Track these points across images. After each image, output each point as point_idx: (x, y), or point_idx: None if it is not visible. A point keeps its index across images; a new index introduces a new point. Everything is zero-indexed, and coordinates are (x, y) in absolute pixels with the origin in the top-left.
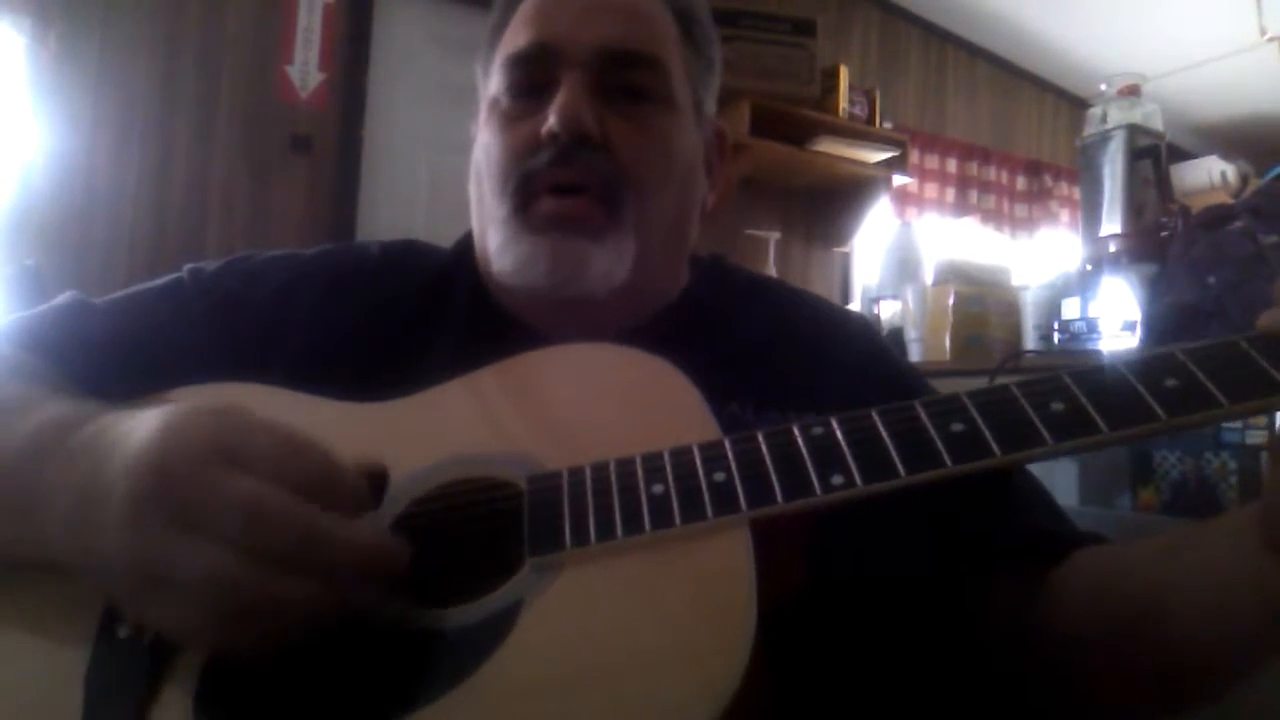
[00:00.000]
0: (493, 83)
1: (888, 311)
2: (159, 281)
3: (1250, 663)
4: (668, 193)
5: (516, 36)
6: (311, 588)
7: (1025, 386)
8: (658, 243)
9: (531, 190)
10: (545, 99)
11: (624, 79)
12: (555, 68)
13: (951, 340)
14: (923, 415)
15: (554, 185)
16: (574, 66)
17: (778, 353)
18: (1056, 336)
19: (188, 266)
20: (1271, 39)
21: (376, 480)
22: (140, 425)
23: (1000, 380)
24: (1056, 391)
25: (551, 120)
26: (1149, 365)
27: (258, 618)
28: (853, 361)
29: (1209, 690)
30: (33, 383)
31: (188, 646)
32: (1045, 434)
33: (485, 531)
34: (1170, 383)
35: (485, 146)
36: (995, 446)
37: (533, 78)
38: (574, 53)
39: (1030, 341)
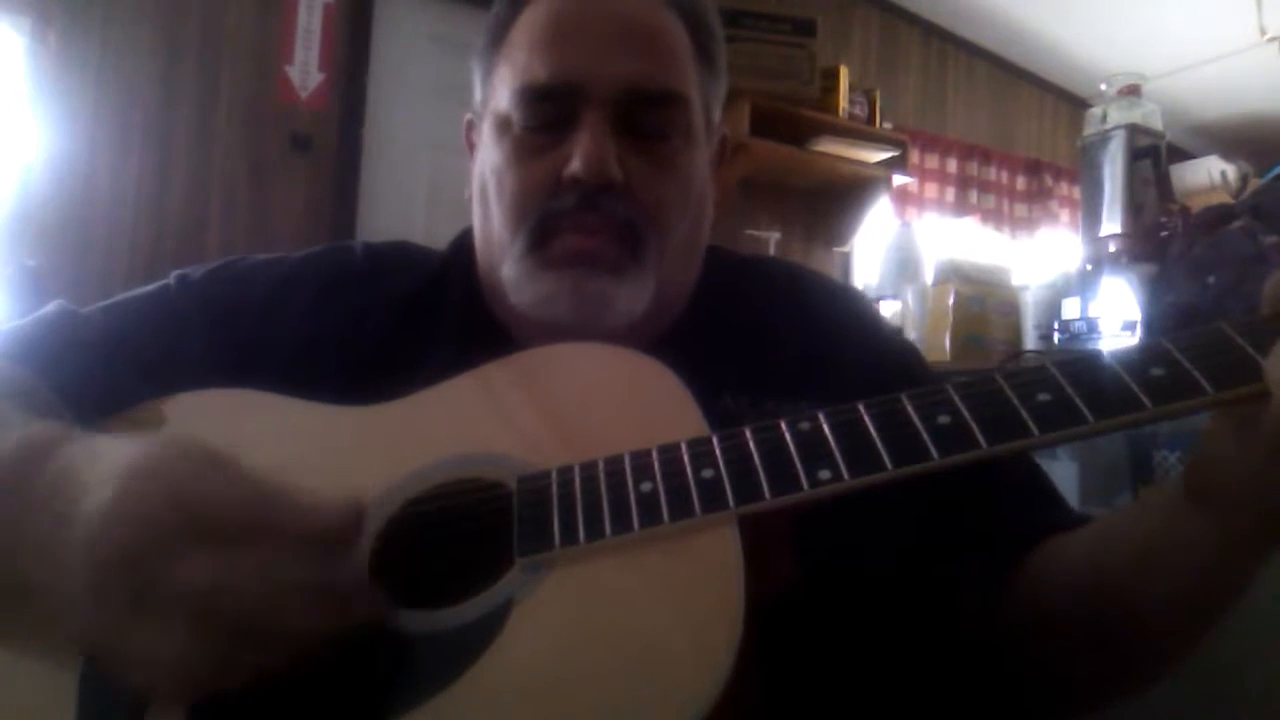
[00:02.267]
0: (501, 99)
1: (888, 311)
2: (146, 289)
3: (1187, 616)
4: (683, 226)
5: (533, 63)
6: (272, 658)
7: (1011, 377)
8: (675, 273)
9: (550, 229)
10: (564, 133)
11: (646, 118)
12: (576, 102)
13: (951, 340)
14: (909, 408)
15: (575, 227)
16: (597, 105)
17: (773, 339)
18: (1056, 336)
19: (174, 273)
20: (1271, 39)
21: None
22: (102, 475)
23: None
24: (1042, 382)
25: (576, 165)
26: (1135, 355)
27: (219, 684)
28: (849, 342)
29: (1163, 654)
30: (11, 399)
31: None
32: (1031, 425)
33: (476, 532)
34: (1156, 371)
35: (496, 172)
36: (981, 438)
37: (551, 111)
38: (598, 90)
39: (1030, 341)
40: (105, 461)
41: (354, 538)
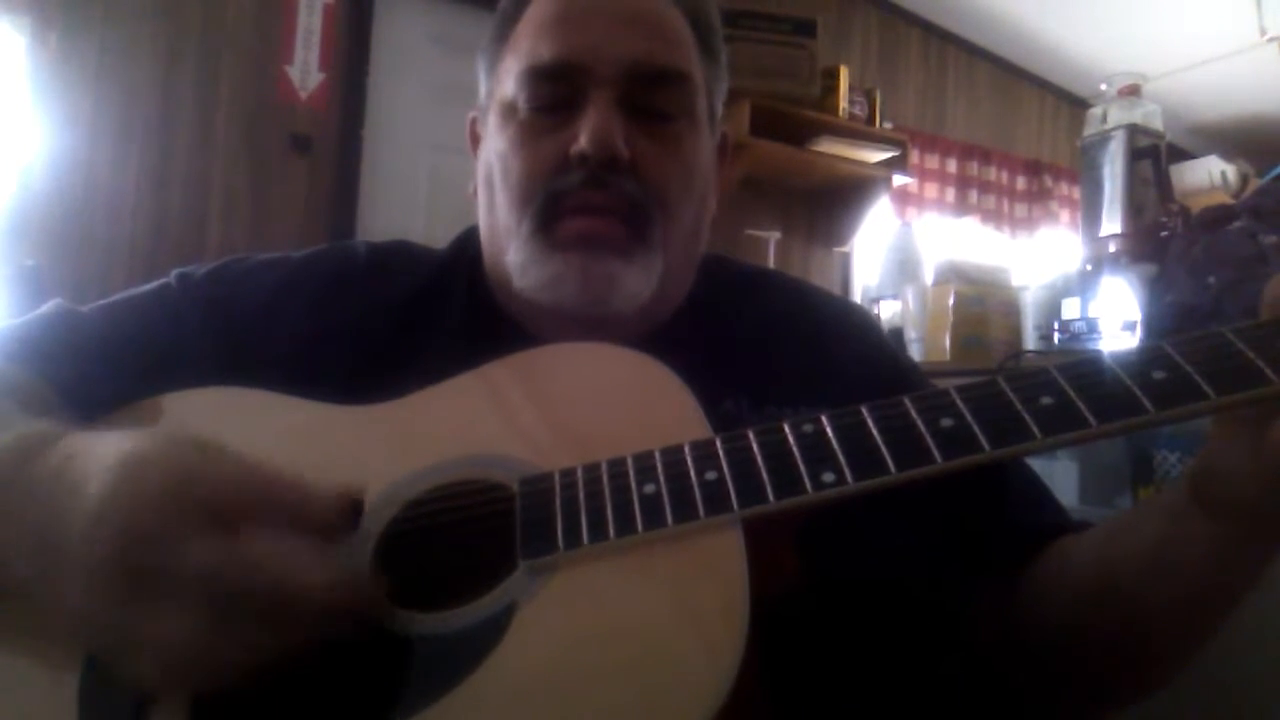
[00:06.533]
0: (507, 86)
1: (888, 311)
2: (147, 287)
3: (1194, 616)
4: (689, 209)
5: (538, 46)
6: (285, 637)
7: (1014, 381)
8: (679, 258)
9: (557, 209)
10: (570, 115)
11: (651, 97)
12: (582, 83)
13: (951, 340)
14: (912, 411)
15: (582, 206)
16: (603, 84)
17: (776, 347)
18: (1056, 336)
19: (175, 271)
20: (1271, 39)
21: (352, 503)
22: (100, 465)
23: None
24: (1045, 386)
25: (583, 142)
26: (1137, 359)
27: (232, 669)
28: (851, 355)
29: (1169, 655)
30: (11, 398)
31: (165, 694)
32: (1034, 428)
33: (479, 534)
34: (1158, 375)
35: (502, 157)
36: (985, 442)
37: (557, 92)
38: (603, 70)
39: (1030, 341)
40: (101, 453)
41: (346, 525)
